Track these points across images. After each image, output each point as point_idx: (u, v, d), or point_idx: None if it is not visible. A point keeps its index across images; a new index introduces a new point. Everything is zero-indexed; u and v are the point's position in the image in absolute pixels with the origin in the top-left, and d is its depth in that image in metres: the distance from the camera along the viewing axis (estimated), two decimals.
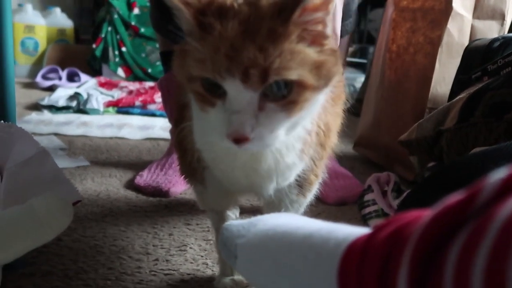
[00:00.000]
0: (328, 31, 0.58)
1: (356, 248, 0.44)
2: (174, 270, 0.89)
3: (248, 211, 1.15)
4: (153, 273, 0.88)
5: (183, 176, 0.91)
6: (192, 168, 0.81)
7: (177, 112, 0.88)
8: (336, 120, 0.81)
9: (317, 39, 0.58)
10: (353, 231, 0.48)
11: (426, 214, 0.38)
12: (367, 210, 1.16)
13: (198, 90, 0.59)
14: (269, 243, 0.55)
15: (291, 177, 0.75)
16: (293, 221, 0.59)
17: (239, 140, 0.56)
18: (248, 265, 0.58)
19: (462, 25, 1.38)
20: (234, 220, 0.91)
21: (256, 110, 0.56)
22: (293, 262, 0.51)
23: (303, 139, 0.70)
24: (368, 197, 1.20)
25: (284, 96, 0.56)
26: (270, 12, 0.56)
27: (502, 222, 0.31)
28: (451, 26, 1.37)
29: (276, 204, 0.80)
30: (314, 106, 0.62)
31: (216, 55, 0.55)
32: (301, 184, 0.79)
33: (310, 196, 0.84)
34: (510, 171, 0.34)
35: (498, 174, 0.34)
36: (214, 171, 0.77)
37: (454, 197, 0.36)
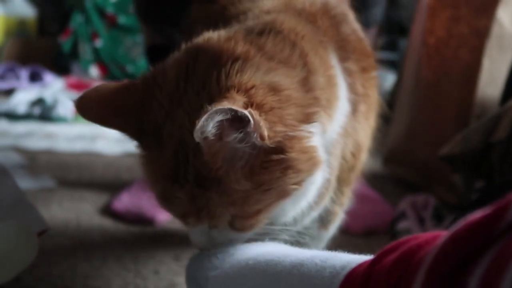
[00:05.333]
0: (279, 128, 0.59)
1: (357, 276, 0.45)
2: None
3: None
4: None
5: None
6: None
7: None
8: (368, 136, 0.82)
9: (257, 158, 0.59)
10: (353, 258, 0.49)
11: (441, 234, 0.38)
12: None
13: None
14: (250, 274, 0.56)
15: (304, 222, 0.76)
16: (277, 249, 0.60)
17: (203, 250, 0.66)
18: None
19: None
20: None
21: (207, 231, 0.64)
22: None
23: (320, 193, 0.71)
24: (401, 225, 1.20)
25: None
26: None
27: None
28: (502, 13, 1.38)
29: (290, 241, 0.80)
30: (310, 188, 0.65)
31: (154, 187, 0.64)
32: (323, 216, 0.80)
33: (333, 228, 0.84)
34: None
35: None
36: None
37: (477, 214, 0.36)
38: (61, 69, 3.19)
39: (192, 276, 0.64)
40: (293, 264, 0.52)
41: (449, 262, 0.35)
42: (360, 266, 0.46)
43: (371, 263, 0.45)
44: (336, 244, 0.93)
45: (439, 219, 1.23)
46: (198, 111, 0.55)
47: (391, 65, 3.15)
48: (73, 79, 2.94)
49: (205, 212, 0.61)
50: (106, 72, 3.17)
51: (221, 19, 0.76)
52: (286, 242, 0.79)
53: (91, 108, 0.64)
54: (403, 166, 1.67)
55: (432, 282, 0.36)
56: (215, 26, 0.71)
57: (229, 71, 0.60)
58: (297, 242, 0.80)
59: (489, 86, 1.40)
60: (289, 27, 0.69)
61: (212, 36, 0.67)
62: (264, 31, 0.67)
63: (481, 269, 0.33)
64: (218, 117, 0.54)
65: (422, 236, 0.44)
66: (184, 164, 0.60)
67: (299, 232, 0.72)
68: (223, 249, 0.64)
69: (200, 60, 0.63)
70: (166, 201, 0.64)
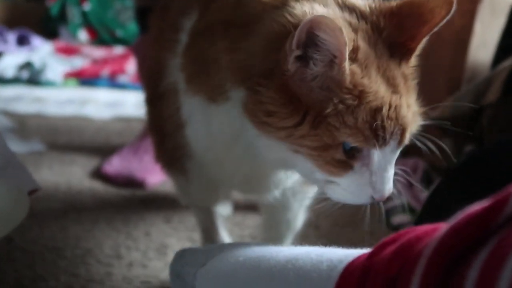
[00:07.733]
0: None
1: (355, 269, 0.45)
2: (152, 277, 0.91)
3: (242, 207, 1.16)
4: (127, 280, 0.89)
5: (160, 165, 0.92)
6: (173, 156, 0.82)
7: (150, 89, 0.89)
8: None
9: None
10: (350, 252, 0.49)
11: (441, 226, 0.39)
12: (390, 204, 1.17)
13: (337, 157, 0.60)
14: (242, 269, 0.55)
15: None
16: (267, 247, 0.59)
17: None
18: None
19: None
20: (220, 221, 0.93)
21: (395, 153, 0.65)
22: None
23: None
24: None
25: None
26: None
27: None
28: None
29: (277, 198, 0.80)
30: None
31: (377, 119, 0.59)
32: None
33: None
34: None
35: None
36: (208, 168, 0.78)
37: (477, 206, 0.36)
38: (49, 33, 3.15)
39: (177, 273, 0.62)
40: (287, 258, 0.52)
41: (448, 254, 0.36)
42: (358, 259, 0.46)
43: (369, 255, 0.45)
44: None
45: (428, 183, 1.24)
46: None
47: None
48: (61, 43, 2.90)
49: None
50: (95, 37, 3.14)
51: None
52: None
53: None
54: None
55: (431, 275, 0.36)
56: None
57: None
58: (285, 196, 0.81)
59: (481, 50, 1.40)
60: None
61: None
62: None
63: (480, 261, 0.34)
64: None
65: (421, 228, 0.44)
66: (393, 75, 0.64)
67: None
68: (209, 246, 0.64)
69: None
70: (392, 122, 0.61)
